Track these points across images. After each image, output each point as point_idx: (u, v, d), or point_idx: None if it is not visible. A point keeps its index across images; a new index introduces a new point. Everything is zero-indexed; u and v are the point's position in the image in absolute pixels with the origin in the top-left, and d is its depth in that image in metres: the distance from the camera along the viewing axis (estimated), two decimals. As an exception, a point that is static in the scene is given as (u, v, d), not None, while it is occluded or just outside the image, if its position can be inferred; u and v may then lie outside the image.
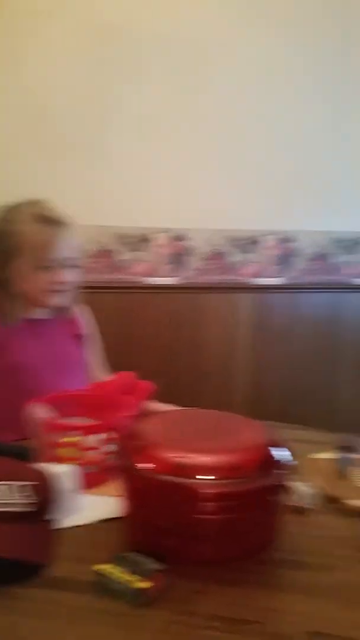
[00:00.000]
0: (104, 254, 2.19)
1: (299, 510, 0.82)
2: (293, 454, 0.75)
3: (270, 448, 0.74)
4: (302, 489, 0.84)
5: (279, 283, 2.34)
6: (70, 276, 1.28)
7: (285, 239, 2.33)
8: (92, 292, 1.43)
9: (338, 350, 2.40)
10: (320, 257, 2.38)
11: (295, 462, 0.75)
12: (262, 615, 0.60)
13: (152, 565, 0.64)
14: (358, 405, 2.39)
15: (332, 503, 0.86)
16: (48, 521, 0.71)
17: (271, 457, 0.73)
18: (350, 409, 2.38)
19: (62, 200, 1.31)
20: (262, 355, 2.32)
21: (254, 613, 0.61)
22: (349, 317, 2.39)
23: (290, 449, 0.76)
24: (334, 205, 2.36)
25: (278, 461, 0.73)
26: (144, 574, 0.63)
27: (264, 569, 0.69)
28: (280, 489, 0.72)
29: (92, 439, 0.86)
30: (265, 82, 2.25)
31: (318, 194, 2.33)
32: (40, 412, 0.91)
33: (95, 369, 1.39)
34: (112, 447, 0.83)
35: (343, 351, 2.40)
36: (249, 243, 2.31)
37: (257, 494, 0.69)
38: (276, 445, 0.75)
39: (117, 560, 0.65)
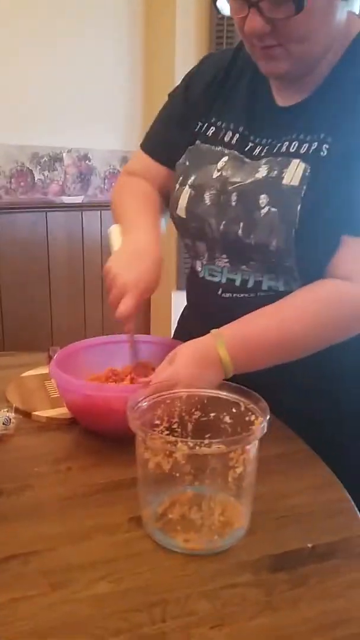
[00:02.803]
0: None
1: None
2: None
3: None
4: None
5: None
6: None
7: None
8: None
9: (49, 271, 2.41)
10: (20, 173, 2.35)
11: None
12: None
13: None
14: (71, 322, 2.41)
15: (27, 417, 0.86)
16: None
17: None
18: (62, 327, 2.40)
19: None
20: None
21: None
22: (56, 236, 2.38)
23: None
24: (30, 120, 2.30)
25: None
26: None
27: None
28: None
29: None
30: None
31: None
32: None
33: None
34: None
35: (54, 271, 2.41)
36: None
37: None
38: None
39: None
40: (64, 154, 2.42)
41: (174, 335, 1.11)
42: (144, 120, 2.54)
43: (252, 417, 0.66)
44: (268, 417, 0.63)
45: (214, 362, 0.75)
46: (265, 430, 0.62)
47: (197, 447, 0.57)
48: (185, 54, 2.44)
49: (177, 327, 1.11)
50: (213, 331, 0.78)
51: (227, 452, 0.58)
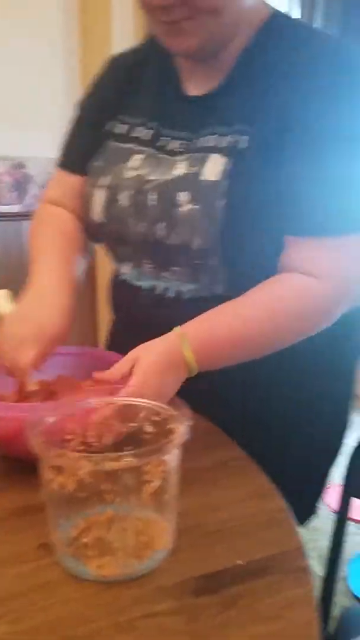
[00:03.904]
0: None
1: None
2: None
3: None
4: None
5: None
6: None
7: None
8: None
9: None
10: None
11: None
12: None
13: None
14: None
15: None
16: None
17: None
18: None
19: None
20: None
21: None
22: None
23: None
24: None
25: None
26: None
27: None
28: None
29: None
30: None
31: None
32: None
33: None
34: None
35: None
36: None
37: None
38: None
39: None
40: (-2, 162, 2.34)
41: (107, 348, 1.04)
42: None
43: (174, 425, 0.60)
44: (188, 423, 0.58)
45: (178, 365, 0.70)
46: (185, 437, 0.56)
47: (103, 463, 0.50)
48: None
49: (107, 341, 1.04)
50: (176, 330, 0.72)
51: (139, 465, 0.52)
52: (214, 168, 0.75)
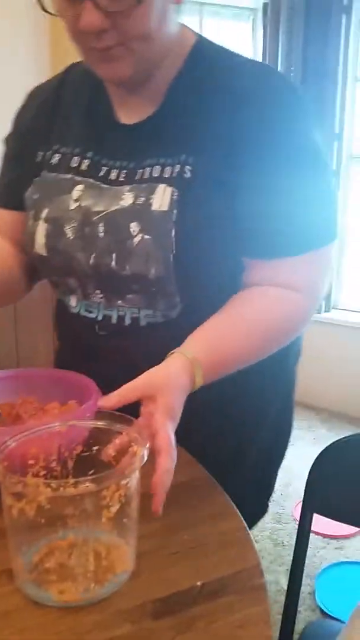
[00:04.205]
0: None
1: None
2: None
3: None
4: None
5: None
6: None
7: None
8: None
9: None
10: None
11: None
12: None
13: None
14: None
15: None
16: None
17: None
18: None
19: None
20: None
21: None
22: None
23: None
24: None
25: None
26: None
27: None
28: None
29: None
30: None
31: None
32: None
33: None
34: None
35: None
36: None
37: None
38: None
39: None
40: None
41: None
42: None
43: (136, 447, 0.61)
44: (147, 445, 0.59)
45: (188, 391, 0.72)
46: (144, 460, 0.58)
47: (62, 489, 0.51)
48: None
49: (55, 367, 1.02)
50: (187, 355, 0.71)
51: (98, 490, 0.54)
52: (163, 198, 0.77)
